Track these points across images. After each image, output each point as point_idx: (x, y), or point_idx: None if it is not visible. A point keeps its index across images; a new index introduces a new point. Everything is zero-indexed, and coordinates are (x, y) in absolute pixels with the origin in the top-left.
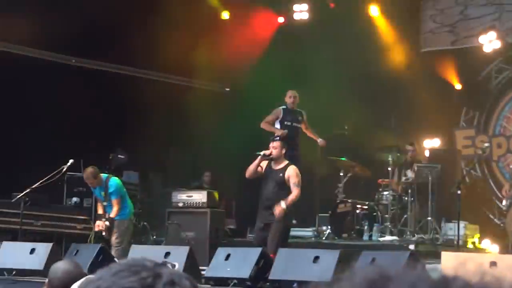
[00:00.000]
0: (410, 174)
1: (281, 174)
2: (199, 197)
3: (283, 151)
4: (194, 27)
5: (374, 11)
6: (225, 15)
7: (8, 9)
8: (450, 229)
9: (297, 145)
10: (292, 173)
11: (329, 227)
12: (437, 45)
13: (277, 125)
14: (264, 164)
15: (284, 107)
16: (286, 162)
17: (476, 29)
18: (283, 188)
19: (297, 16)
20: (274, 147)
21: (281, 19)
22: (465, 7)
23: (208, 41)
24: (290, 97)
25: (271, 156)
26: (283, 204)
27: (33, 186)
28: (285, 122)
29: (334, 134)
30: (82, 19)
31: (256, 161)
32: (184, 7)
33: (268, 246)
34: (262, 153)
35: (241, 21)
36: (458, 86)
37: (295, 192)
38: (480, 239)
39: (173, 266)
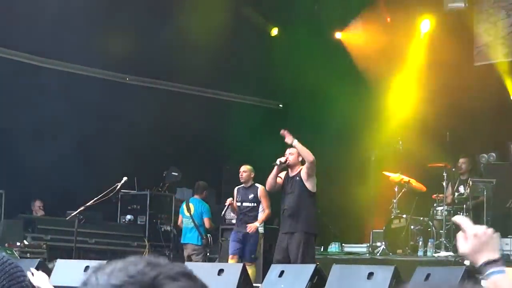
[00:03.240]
0: (462, 189)
1: (297, 178)
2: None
3: (300, 158)
4: (246, 44)
5: (425, 26)
6: (275, 31)
7: (65, 30)
8: (506, 244)
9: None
10: (303, 171)
11: (383, 243)
12: (491, 59)
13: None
14: (282, 174)
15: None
16: (301, 167)
17: None
18: (304, 193)
19: (352, 30)
20: (291, 153)
21: (338, 35)
22: None
23: (259, 57)
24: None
25: (287, 163)
26: None
27: (87, 204)
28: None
29: (389, 150)
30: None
31: (274, 172)
32: (234, 24)
33: (293, 255)
34: (278, 161)
35: (291, 37)
36: None
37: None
38: None
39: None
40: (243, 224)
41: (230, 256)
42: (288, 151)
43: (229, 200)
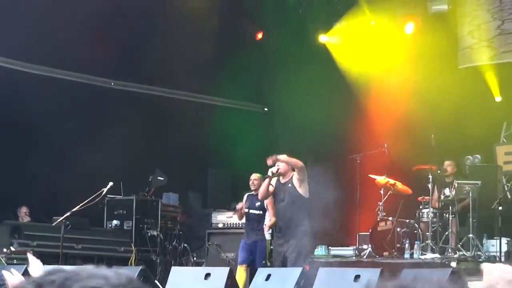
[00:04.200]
0: (448, 192)
1: (290, 185)
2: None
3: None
4: (231, 48)
5: (409, 28)
6: (260, 35)
7: (47, 35)
8: (492, 245)
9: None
10: (294, 177)
11: (369, 245)
12: (475, 61)
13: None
14: (273, 181)
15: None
16: (293, 173)
17: None
18: (297, 199)
19: (336, 33)
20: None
21: (323, 38)
22: (502, 22)
23: (245, 61)
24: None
25: (279, 172)
26: None
27: (73, 210)
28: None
29: (374, 153)
30: (121, 42)
31: (266, 182)
32: (219, 28)
33: (292, 260)
34: (270, 172)
35: (276, 41)
36: (497, 101)
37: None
38: None
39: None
40: (251, 231)
41: (239, 266)
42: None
43: (239, 205)
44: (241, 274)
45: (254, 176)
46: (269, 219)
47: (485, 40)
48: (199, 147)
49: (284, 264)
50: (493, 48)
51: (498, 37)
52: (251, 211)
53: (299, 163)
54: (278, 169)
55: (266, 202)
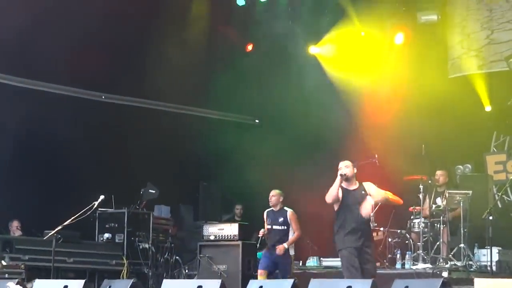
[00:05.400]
0: (439, 201)
1: (363, 192)
2: (230, 229)
3: (355, 170)
4: (221, 60)
5: (399, 39)
6: (250, 47)
7: (34, 48)
8: (484, 255)
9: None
10: (372, 187)
11: None
12: (465, 71)
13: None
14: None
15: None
16: (357, 181)
17: (504, 53)
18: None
19: (326, 44)
20: (347, 166)
21: (313, 49)
22: (491, 32)
23: (236, 73)
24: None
25: (346, 175)
26: None
27: (65, 223)
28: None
29: (365, 163)
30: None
31: (337, 182)
32: (209, 40)
33: (370, 268)
34: (342, 172)
35: (267, 52)
36: (487, 111)
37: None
38: None
39: None
40: (274, 247)
41: (259, 272)
42: (343, 164)
43: (261, 232)
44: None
45: (273, 193)
46: (292, 233)
47: (474, 49)
48: (191, 159)
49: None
50: (482, 58)
51: (487, 46)
52: (274, 226)
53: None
54: (346, 173)
55: (289, 216)
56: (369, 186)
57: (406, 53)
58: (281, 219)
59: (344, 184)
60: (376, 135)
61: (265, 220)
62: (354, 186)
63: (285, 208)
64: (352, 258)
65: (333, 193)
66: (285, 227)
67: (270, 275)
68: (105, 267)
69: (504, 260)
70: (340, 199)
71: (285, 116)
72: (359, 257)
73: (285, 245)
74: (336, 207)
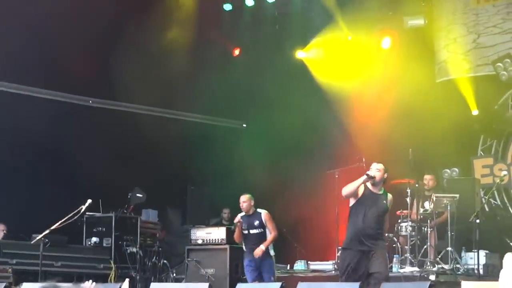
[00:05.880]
0: (427, 205)
1: (384, 201)
2: (218, 233)
3: (385, 175)
4: (209, 64)
5: (386, 43)
6: (237, 51)
7: (23, 53)
8: (471, 258)
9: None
10: (391, 199)
11: None
12: (451, 75)
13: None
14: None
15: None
16: (383, 188)
17: (490, 57)
18: (384, 216)
19: (313, 49)
20: (378, 170)
21: (300, 54)
22: (478, 36)
23: (223, 78)
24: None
25: (374, 178)
26: None
27: (52, 227)
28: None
29: (352, 167)
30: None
31: (360, 180)
32: (196, 45)
33: (382, 270)
34: (370, 174)
35: (254, 57)
36: (474, 115)
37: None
38: None
39: None
40: (252, 251)
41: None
42: (374, 166)
43: (238, 217)
44: None
45: (243, 198)
46: (269, 234)
47: (461, 53)
48: (178, 163)
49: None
50: (469, 62)
51: (473, 50)
52: (251, 231)
53: None
54: (375, 175)
55: (263, 218)
56: (389, 199)
57: (393, 57)
58: (256, 222)
59: (369, 185)
60: (364, 139)
61: (237, 219)
62: (379, 191)
63: (258, 210)
64: (349, 259)
65: (351, 190)
66: (262, 230)
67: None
68: (93, 271)
69: (491, 264)
70: (359, 196)
71: (273, 121)
72: (364, 261)
73: (262, 246)
74: (351, 202)
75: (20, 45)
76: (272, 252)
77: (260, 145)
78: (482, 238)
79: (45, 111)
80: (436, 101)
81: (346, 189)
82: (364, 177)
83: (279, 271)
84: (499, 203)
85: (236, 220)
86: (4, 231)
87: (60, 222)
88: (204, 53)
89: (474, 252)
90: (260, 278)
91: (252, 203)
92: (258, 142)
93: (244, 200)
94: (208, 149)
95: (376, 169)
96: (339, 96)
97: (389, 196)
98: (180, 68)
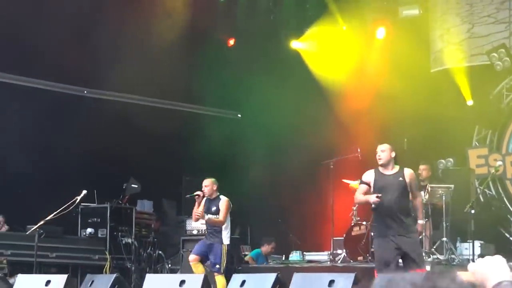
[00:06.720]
0: (422, 196)
1: (400, 178)
2: None
3: (392, 154)
4: (204, 55)
5: (380, 33)
6: (232, 42)
7: (17, 42)
8: (466, 249)
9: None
10: (412, 174)
11: (344, 250)
12: (445, 64)
13: None
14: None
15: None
16: (398, 166)
17: (485, 47)
18: (406, 194)
19: (307, 39)
20: (383, 150)
21: (294, 44)
22: (472, 25)
23: (218, 68)
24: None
25: (381, 162)
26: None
27: (47, 218)
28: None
29: (347, 158)
30: (93, 50)
31: (363, 199)
32: (191, 35)
33: (410, 261)
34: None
35: (248, 47)
36: (469, 105)
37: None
38: None
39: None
40: (209, 234)
41: (190, 257)
42: (379, 148)
43: (199, 193)
44: (194, 265)
45: (205, 182)
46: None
47: (455, 43)
48: (173, 154)
49: (396, 261)
50: (463, 51)
51: (467, 40)
52: (208, 215)
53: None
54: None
55: (220, 204)
56: (411, 175)
57: (388, 47)
58: (214, 208)
59: (380, 169)
60: (359, 129)
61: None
62: (390, 171)
63: (221, 196)
64: (382, 250)
65: (359, 201)
66: (219, 215)
67: (203, 262)
68: (88, 262)
69: (486, 254)
70: (371, 184)
71: (268, 111)
72: (397, 249)
73: (207, 216)
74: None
75: (10, 34)
76: (225, 241)
77: (255, 135)
78: (477, 228)
79: (39, 100)
80: (431, 91)
81: (356, 200)
82: (365, 198)
83: (274, 262)
84: (494, 193)
85: (196, 192)
86: (1, 222)
87: (55, 213)
88: (199, 43)
89: (469, 242)
90: (205, 257)
91: (215, 188)
92: (253, 132)
93: (206, 184)
94: (203, 139)
95: (380, 150)
96: (334, 86)
97: (407, 171)
98: (174, 59)
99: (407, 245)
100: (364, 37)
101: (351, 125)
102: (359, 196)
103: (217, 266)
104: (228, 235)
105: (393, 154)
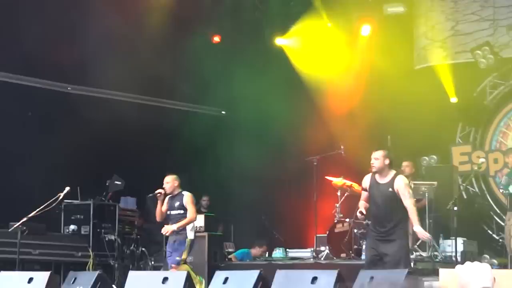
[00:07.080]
0: None
1: (390, 189)
2: (196, 221)
3: (386, 162)
4: (188, 51)
5: (365, 30)
6: (216, 38)
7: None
8: (449, 245)
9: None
10: (401, 184)
11: (327, 247)
12: (429, 62)
13: None
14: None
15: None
16: (393, 173)
17: (469, 44)
18: (395, 204)
19: (292, 36)
20: (376, 158)
21: (279, 41)
22: (456, 23)
23: (202, 65)
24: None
25: (374, 170)
26: None
27: (30, 215)
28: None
29: (330, 154)
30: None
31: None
32: (175, 32)
33: (394, 262)
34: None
35: (233, 44)
36: (453, 102)
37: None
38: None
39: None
40: (173, 233)
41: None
42: (372, 156)
43: (161, 191)
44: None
45: (167, 179)
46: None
47: (439, 40)
48: (157, 150)
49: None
50: (447, 48)
51: (451, 37)
52: (172, 212)
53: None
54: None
55: (184, 200)
56: (400, 183)
57: (373, 44)
58: (177, 204)
59: (376, 175)
60: (342, 127)
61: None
62: (384, 179)
63: (183, 192)
64: (367, 250)
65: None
66: (182, 211)
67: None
68: (71, 259)
69: (468, 251)
70: (367, 189)
71: (252, 108)
72: (376, 253)
73: (174, 226)
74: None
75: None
76: (190, 236)
77: (239, 132)
78: (460, 225)
79: (22, 97)
80: (415, 88)
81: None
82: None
83: (257, 259)
84: (477, 190)
85: (158, 191)
86: None
87: (38, 209)
88: (184, 40)
89: (452, 239)
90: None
91: (176, 184)
92: (237, 129)
93: (168, 180)
94: (187, 136)
95: (374, 158)
96: (318, 83)
97: (397, 181)
98: (159, 55)
99: (387, 249)
100: (349, 34)
101: (334, 122)
102: (359, 204)
103: (177, 258)
104: (193, 229)
105: (387, 162)
